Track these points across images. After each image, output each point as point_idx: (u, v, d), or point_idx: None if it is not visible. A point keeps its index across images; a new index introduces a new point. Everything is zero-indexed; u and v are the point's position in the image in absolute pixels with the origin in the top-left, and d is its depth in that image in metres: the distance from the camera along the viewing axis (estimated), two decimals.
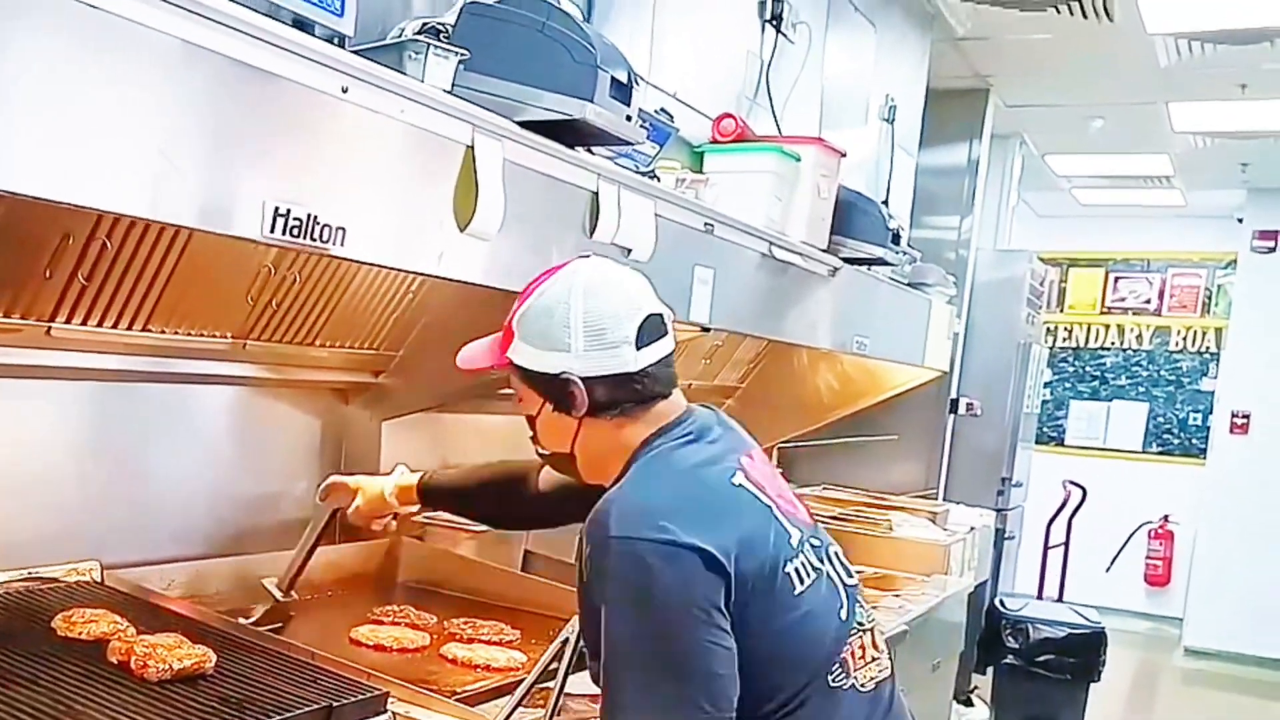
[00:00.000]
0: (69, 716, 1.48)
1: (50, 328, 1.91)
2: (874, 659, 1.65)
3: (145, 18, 1.23)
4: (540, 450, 1.72)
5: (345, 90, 1.52)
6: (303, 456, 2.60)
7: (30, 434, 2.03)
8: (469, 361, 1.75)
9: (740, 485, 1.58)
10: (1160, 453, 9.27)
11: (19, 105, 1.13)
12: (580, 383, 1.58)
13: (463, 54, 1.80)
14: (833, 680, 1.57)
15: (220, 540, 2.37)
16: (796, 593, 1.54)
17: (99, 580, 2.05)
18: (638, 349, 1.59)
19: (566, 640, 1.83)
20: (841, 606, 1.62)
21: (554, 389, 1.61)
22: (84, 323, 1.94)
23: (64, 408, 2.08)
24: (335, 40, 1.62)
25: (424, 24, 1.90)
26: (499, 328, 1.69)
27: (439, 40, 1.80)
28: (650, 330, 1.60)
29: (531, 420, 1.69)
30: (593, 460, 1.66)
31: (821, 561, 1.62)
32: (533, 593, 2.52)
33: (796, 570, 1.56)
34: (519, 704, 1.83)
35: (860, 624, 1.65)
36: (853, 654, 1.61)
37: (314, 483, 2.61)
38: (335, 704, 1.63)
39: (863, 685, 1.61)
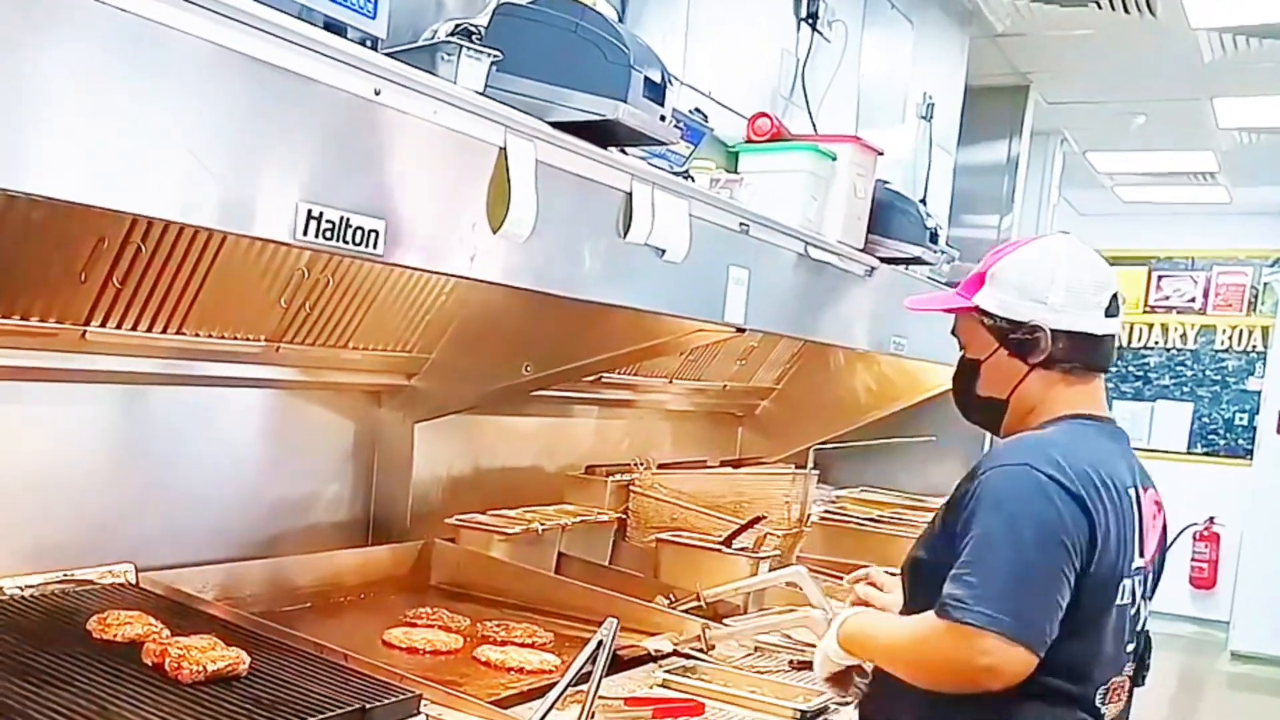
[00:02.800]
0: (103, 717, 1.49)
1: (85, 331, 1.92)
2: (1120, 701, 1.84)
3: (177, 22, 1.22)
4: (967, 397, 1.92)
5: (378, 92, 1.51)
6: (336, 459, 2.61)
7: (65, 437, 2.05)
8: (923, 304, 2.01)
9: (1132, 497, 1.79)
10: (1205, 453, 9.13)
11: (53, 110, 1.13)
12: (1048, 333, 1.79)
13: (495, 55, 1.79)
14: (1099, 696, 1.77)
15: (254, 542, 2.38)
16: (1117, 603, 1.74)
17: (134, 582, 2.07)
18: (1105, 317, 1.81)
19: (600, 643, 1.83)
20: (1129, 641, 1.82)
21: (1018, 334, 1.81)
22: (118, 326, 1.95)
23: (99, 411, 2.10)
24: (367, 43, 1.61)
25: (456, 25, 1.89)
26: (531, 330, 1.70)
27: (471, 41, 1.79)
28: (1114, 306, 1.83)
29: (975, 365, 1.88)
30: (1020, 410, 1.85)
31: (1139, 599, 1.82)
32: (566, 595, 2.52)
33: (1129, 587, 1.76)
34: (552, 707, 1.82)
35: (1126, 668, 1.84)
36: (1119, 687, 1.81)
37: (347, 485, 2.63)
38: (368, 706, 1.63)
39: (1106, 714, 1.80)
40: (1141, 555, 1.80)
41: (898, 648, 1.78)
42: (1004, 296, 1.82)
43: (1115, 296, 1.83)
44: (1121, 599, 1.75)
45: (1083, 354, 1.82)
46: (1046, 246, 1.87)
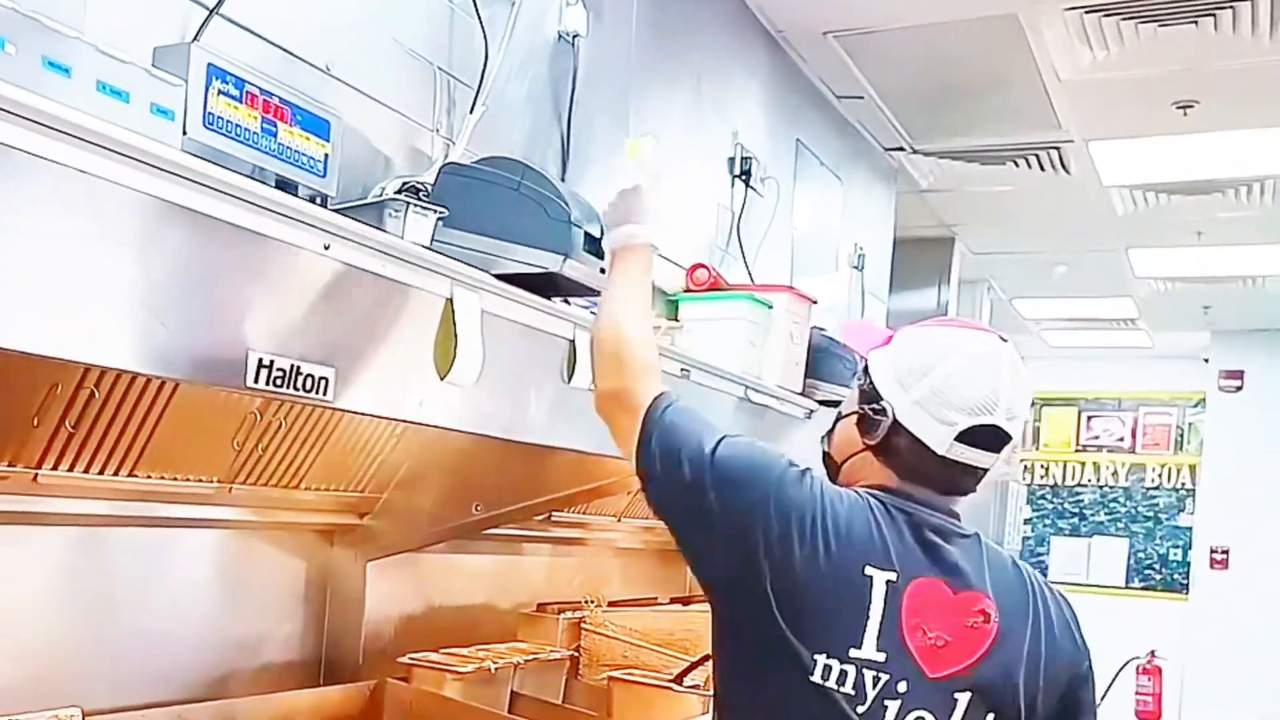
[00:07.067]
0: None
1: (37, 474, 1.93)
2: None
3: (131, 181, 1.28)
4: (823, 441, 1.79)
5: (327, 247, 1.58)
6: (288, 598, 2.61)
7: (12, 579, 2.04)
8: (853, 334, 1.93)
9: (869, 577, 1.54)
10: (1143, 588, 9.26)
11: (7, 264, 1.18)
12: (890, 421, 1.62)
13: (441, 211, 1.89)
14: None
15: (204, 683, 2.37)
16: (816, 679, 1.51)
17: None
18: (955, 440, 1.59)
19: None
20: None
21: (871, 406, 1.65)
22: (70, 469, 1.97)
23: (47, 553, 2.10)
24: (317, 200, 1.70)
25: (404, 183, 2.00)
26: (480, 471, 1.73)
27: (418, 198, 1.89)
28: (981, 436, 1.59)
29: (839, 417, 1.75)
30: (847, 480, 1.70)
31: (870, 696, 1.52)
32: None
33: (836, 670, 1.52)
34: None
35: None
36: None
37: (298, 624, 2.63)
38: None
39: None
40: (880, 650, 1.52)
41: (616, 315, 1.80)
42: (886, 364, 1.65)
43: (991, 428, 1.59)
44: (824, 678, 1.51)
45: (915, 463, 1.61)
46: (956, 340, 1.64)
